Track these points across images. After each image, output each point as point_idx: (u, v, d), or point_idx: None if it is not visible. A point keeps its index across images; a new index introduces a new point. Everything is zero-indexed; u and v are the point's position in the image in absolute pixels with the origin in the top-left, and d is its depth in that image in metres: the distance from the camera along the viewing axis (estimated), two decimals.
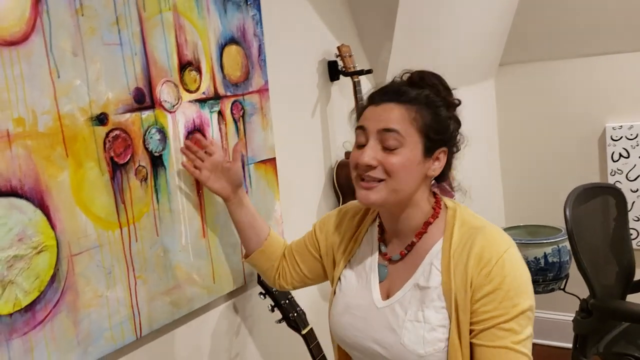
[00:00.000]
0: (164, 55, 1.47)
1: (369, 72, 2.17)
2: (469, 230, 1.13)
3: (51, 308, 1.22)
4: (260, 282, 1.73)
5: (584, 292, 2.31)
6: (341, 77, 2.18)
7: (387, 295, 1.19)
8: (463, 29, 2.71)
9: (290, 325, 1.72)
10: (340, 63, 2.14)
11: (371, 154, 1.11)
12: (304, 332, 1.73)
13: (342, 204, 2.22)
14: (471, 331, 1.08)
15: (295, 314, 1.72)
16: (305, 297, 1.91)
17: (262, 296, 1.73)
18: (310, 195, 2.13)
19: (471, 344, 1.09)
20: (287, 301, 1.73)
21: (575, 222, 2.25)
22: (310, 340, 1.74)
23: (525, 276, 1.09)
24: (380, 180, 1.12)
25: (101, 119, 1.32)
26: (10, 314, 1.15)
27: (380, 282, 1.21)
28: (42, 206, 1.21)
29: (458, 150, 1.22)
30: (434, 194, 1.23)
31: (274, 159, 1.84)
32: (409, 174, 1.12)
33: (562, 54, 3.10)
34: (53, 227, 1.23)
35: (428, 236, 1.17)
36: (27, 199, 1.18)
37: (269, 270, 1.50)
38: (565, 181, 2.79)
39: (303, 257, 1.43)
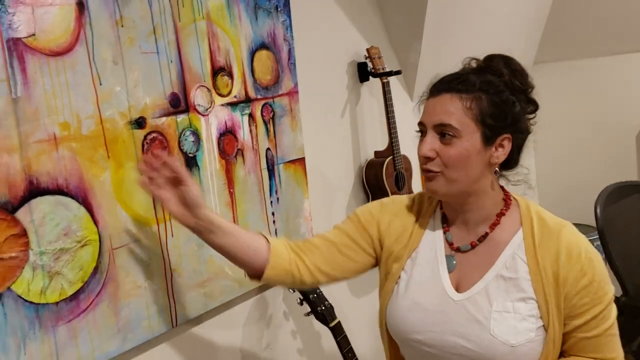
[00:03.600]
0: (198, 62, 1.56)
1: (398, 73, 2.21)
2: (549, 224, 1.15)
3: (94, 297, 1.33)
4: None
5: (617, 291, 2.30)
6: (371, 78, 2.24)
7: (457, 286, 1.17)
8: (495, 27, 2.72)
9: (318, 318, 1.79)
10: (369, 64, 2.20)
11: (428, 146, 1.13)
12: (331, 324, 1.80)
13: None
14: (566, 324, 1.12)
15: (323, 307, 1.79)
16: (334, 292, 1.97)
17: (291, 290, 1.80)
18: (340, 194, 2.19)
19: (567, 336, 1.13)
20: (315, 295, 1.80)
21: (608, 220, 2.24)
22: (338, 333, 1.81)
23: (603, 265, 1.15)
24: (439, 172, 1.13)
25: (139, 123, 1.42)
26: (57, 303, 1.26)
27: (449, 272, 1.18)
28: (86, 203, 1.31)
29: (527, 134, 1.19)
30: (501, 186, 1.22)
31: (303, 158, 1.91)
32: (468, 164, 1.12)
33: (597, 51, 3.07)
34: (96, 222, 1.33)
35: (501, 227, 1.17)
36: (72, 196, 1.29)
37: (288, 278, 1.29)
38: (601, 180, 2.76)
39: (343, 243, 1.29)
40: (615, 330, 1.15)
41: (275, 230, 1.81)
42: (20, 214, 1.19)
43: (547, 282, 1.10)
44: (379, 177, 2.25)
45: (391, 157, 2.24)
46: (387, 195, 2.23)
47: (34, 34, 1.21)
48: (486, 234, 1.17)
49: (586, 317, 1.11)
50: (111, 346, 1.36)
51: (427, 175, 1.15)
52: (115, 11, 1.36)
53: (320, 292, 1.80)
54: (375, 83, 2.25)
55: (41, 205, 1.23)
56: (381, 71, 2.17)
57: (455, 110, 1.11)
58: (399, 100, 2.35)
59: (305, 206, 1.93)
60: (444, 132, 1.11)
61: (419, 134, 1.19)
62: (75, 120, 1.29)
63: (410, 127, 2.44)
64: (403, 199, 1.32)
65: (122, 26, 1.37)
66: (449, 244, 1.20)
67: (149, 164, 1.25)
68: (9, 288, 1.18)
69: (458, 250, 1.19)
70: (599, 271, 1.12)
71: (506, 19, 2.77)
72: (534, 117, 1.21)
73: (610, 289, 1.13)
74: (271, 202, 1.80)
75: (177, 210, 1.22)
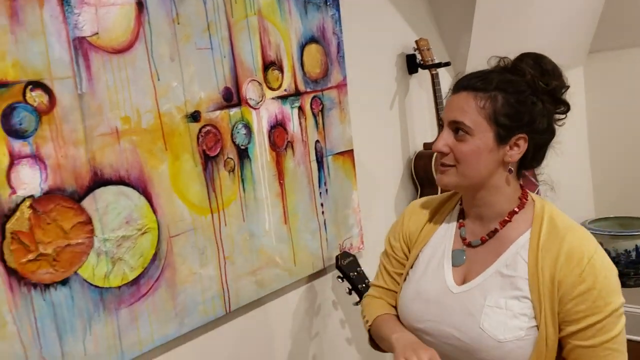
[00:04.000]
0: (250, 57, 1.60)
1: (447, 64, 2.21)
2: (558, 227, 1.13)
3: (153, 283, 1.40)
4: (339, 267, 1.84)
5: None
6: (419, 70, 2.24)
7: (463, 280, 1.19)
8: (548, 16, 2.66)
9: None
10: (418, 56, 2.20)
11: (442, 141, 1.16)
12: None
13: (420, 194, 2.29)
14: (561, 329, 1.11)
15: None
16: None
17: (340, 280, 1.84)
18: (388, 186, 2.21)
19: (563, 342, 1.11)
20: (364, 285, 1.82)
21: None
22: None
23: (615, 275, 1.11)
24: (452, 166, 1.16)
25: (195, 116, 1.48)
26: (119, 287, 1.34)
27: (456, 266, 1.22)
28: (146, 193, 1.38)
29: (548, 134, 1.17)
30: (521, 185, 1.23)
31: (352, 150, 1.94)
32: (479, 161, 1.14)
33: None
34: (154, 211, 1.40)
35: (512, 226, 1.17)
36: (133, 187, 1.36)
37: None
38: None
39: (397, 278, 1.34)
40: (618, 345, 1.09)
41: (324, 221, 1.85)
42: (86, 203, 1.27)
43: (543, 283, 1.10)
44: (427, 169, 2.25)
45: None
46: (435, 186, 2.23)
47: (97, 33, 1.28)
48: (496, 230, 1.19)
49: (581, 324, 1.08)
50: (169, 329, 1.43)
51: (440, 168, 1.19)
52: (172, 9, 1.42)
53: (369, 281, 1.83)
54: (424, 75, 2.25)
55: (105, 194, 1.30)
56: (430, 63, 2.17)
57: (469, 108, 1.13)
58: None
59: (354, 197, 1.95)
60: (458, 128, 1.14)
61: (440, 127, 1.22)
62: (135, 114, 1.36)
63: None
64: (424, 199, 1.38)
65: (178, 23, 1.43)
66: (462, 238, 1.23)
67: None
68: (75, 272, 1.26)
69: (469, 245, 1.21)
70: (602, 280, 1.08)
71: (560, 6, 2.71)
72: (564, 117, 1.19)
73: (614, 300, 1.08)
74: (320, 193, 1.83)
75: None
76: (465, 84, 1.15)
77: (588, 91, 3.27)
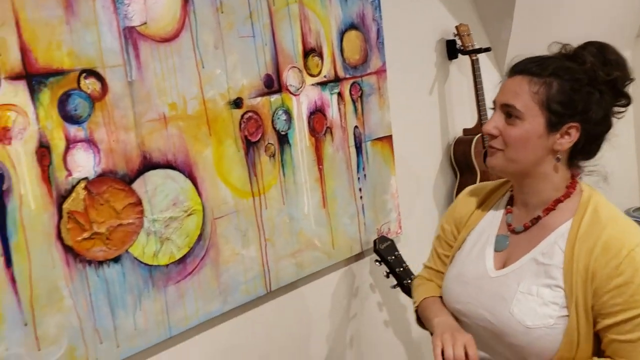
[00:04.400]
0: (290, 44, 1.64)
1: (487, 50, 2.19)
2: (600, 217, 1.12)
3: (198, 262, 1.47)
4: (376, 251, 1.87)
5: None
6: (459, 55, 2.23)
7: (503, 265, 1.20)
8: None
9: (404, 290, 1.85)
10: (458, 42, 2.19)
11: (493, 123, 1.16)
12: None
13: (458, 180, 2.29)
14: (597, 322, 1.08)
15: (409, 281, 1.84)
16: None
17: (377, 263, 1.87)
18: (427, 171, 2.22)
19: (601, 335, 1.10)
20: (401, 269, 1.85)
21: None
22: None
23: None
24: (500, 150, 1.16)
25: (237, 103, 1.53)
26: (167, 265, 1.41)
27: (498, 251, 1.22)
28: (191, 177, 1.44)
29: (604, 126, 1.15)
30: (572, 175, 1.19)
31: (390, 136, 1.96)
32: (527, 146, 1.13)
33: None
34: (200, 194, 1.46)
35: (556, 214, 1.17)
36: (179, 170, 1.42)
37: None
38: None
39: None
40: None
41: (362, 205, 1.88)
42: (136, 185, 1.34)
43: (577, 274, 1.09)
44: (467, 155, 2.25)
45: (480, 134, 2.23)
46: (475, 172, 2.24)
47: (145, 23, 1.34)
48: (539, 218, 1.18)
49: (617, 318, 1.06)
50: (213, 307, 1.50)
51: (489, 150, 1.20)
52: None
53: (407, 265, 1.86)
54: (464, 60, 2.24)
55: (153, 177, 1.37)
56: (470, 48, 2.16)
57: (522, 92, 1.12)
58: (488, 77, 2.33)
59: (392, 183, 1.98)
60: (509, 112, 1.13)
61: (492, 110, 1.22)
62: (181, 101, 1.42)
63: None
64: (476, 188, 1.37)
65: (222, 12, 1.48)
66: (508, 224, 1.23)
67: None
68: (127, 251, 1.34)
69: (513, 231, 1.22)
70: None
71: None
72: (624, 111, 1.16)
73: None
74: (358, 178, 1.87)
75: None
76: (521, 67, 1.14)
77: (637, 76, 3.18)
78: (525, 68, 1.13)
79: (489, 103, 2.21)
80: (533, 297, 1.12)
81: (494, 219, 1.27)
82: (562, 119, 1.11)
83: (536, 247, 1.16)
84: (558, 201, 1.17)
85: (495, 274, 1.19)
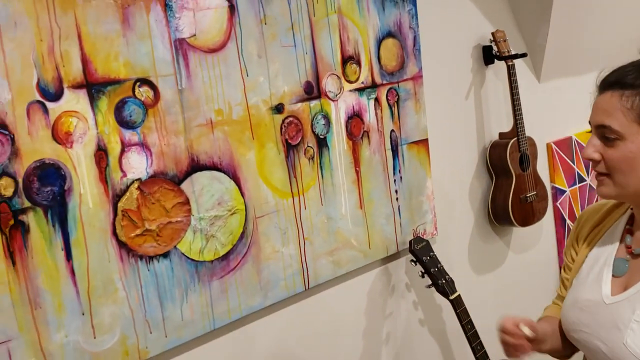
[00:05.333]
0: (329, 52, 1.72)
1: (523, 55, 2.22)
2: None
3: (240, 258, 1.55)
4: (412, 251, 1.92)
5: None
6: (496, 61, 2.26)
7: (621, 290, 1.11)
8: (632, 5, 2.59)
9: (439, 290, 1.90)
10: (494, 48, 2.23)
11: (591, 148, 1.07)
12: (451, 297, 1.90)
13: (494, 184, 2.32)
14: None
15: (444, 281, 1.89)
16: (455, 267, 2.07)
17: (413, 263, 1.93)
18: (463, 174, 2.26)
19: None
20: (436, 269, 1.90)
21: None
22: (458, 305, 1.90)
23: None
24: (607, 175, 1.08)
25: (279, 108, 1.61)
26: (212, 261, 1.50)
27: (617, 276, 1.13)
28: (235, 178, 1.53)
29: None
30: None
31: (426, 139, 2.01)
32: (634, 167, 1.04)
33: None
34: (242, 194, 1.55)
35: None
36: (224, 172, 1.51)
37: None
38: None
39: None
40: None
41: (399, 207, 1.94)
42: (184, 186, 1.44)
43: None
44: (502, 158, 2.28)
45: (516, 138, 2.26)
46: (510, 175, 2.26)
47: (194, 35, 1.44)
48: None
49: None
50: (254, 301, 1.58)
51: (598, 178, 1.10)
52: (260, 11, 1.55)
53: (442, 266, 1.91)
54: (500, 66, 2.27)
55: (200, 178, 1.46)
56: (506, 54, 2.19)
57: (614, 110, 1.03)
58: (524, 82, 2.35)
59: (428, 185, 2.03)
60: (605, 134, 1.05)
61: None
62: (227, 107, 1.51)
63: (536, 109, 2.44)
64: (596, 204, 1.29)
65: (265, 24, 1.57)
66: (627, 246, 1.14)
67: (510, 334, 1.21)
68: (175, 247, 1.43)
69: (632, 254, 1.13)
70: None
71: None
72: None
73: None
74: (394, 180, 1.93)
75: (528, 348, 1.21)
76: (611, 81, 1.06)
77: None
78: (613, 83, 1.05)
79: (525, 107, 2.24)
80: None
81: (612, 240, 1.18)
82: None
83: None
84: None
85: (610, 300, 1.10)
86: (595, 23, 2.49)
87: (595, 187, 1.13)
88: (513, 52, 2.20)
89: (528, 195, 2.30)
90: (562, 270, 1.33)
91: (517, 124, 2.24)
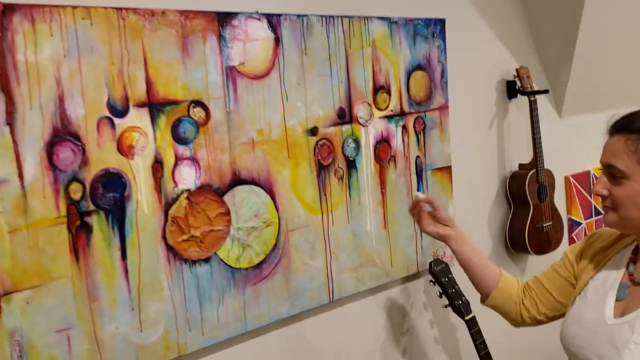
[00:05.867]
0: (362, 82, 1.86)
1: (545, 92, 2.34)
2: None
3: (272, 268, 1.69)
4: (432, 272, 2.04)
5: None
6: (519, 95, 2.39)
7: (622, 313, 1.21)
8: None
9: (455, 310, 2.01)
10: (518, 83, 2.36)
11: (601, 185, 1.20)
12: (467, 318, 2.00)
13: (512, 212, 2.43)
14: None
15: (460, 302, 2.00)
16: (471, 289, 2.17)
17: (432, 283, 2.04)
18: (483, 201, 2.37)
19: None
20: (454, 290, 2.01)
21: None
22: (472, 325, 2.00)
23: None
24: (612, 209, 1.20)
25: (313, 131, 1.76)
26: (247, 268, 1.64)
27: (618, 300, 1.23)
28: (271, 193, 1.68)
29: None
30: None
31: (450, 167, 2.14)
32: (638, 204, 1.15)
33: None
34: (277, 208, 1.69)
35: None
36: (262, 187, 1.66)
37: (512, 308, 1.49)
38: None
39: (553, 283, 1.44)
40: None
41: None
42: (226, 198, 1.59)
43: None
44: (521, 189, 2.39)
45: (535, 170, 2.37)
46: (528, 205, 2.37)
47: (243, 63, 1.60)
48: None
49: None
50: (283, 309, 1.71)
51: (604, 209, 1.23)
52: (302, 43, 1.71)
53: (458, 287, 2.02)
54: (523, 100, 2.40)
55: (241, 192, 1.61)
56: (529, 90, 2.32)
57: (620, 152, 1.15)
58: (546, 117, 2.47)
59: (450, 210, 2.15)
60: (612, 173, 1.18)
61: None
62: (267, 128, 1.66)
63: (556, 142, 2.55)
64: (607, 232, 1.38)
65: (305, 54, 1.72)
66: (630, 274, 1.25)
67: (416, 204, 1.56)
68: (215, 253, 1.57)
69: (634, 281, 1.23)
70: None
71: None
72: None
73: None
74: None
75: (432, 228, 1.56)
76: (619, 125, 1.19)
77: None
78: (623, 126, 1.18)
79: (545, 141, 2.36)
80: None
81: (618, 266, 1.28)
82: None
83: None
84: None
85: (611, 322, 1.21)
86: (616, 62, 2.60)
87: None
88: (536, 88, 2.32)
89: (544, 225, 2.40)
90: (555, 263, 1.44)
91: (537, 156, 2.35)
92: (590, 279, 1.32)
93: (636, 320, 1.17)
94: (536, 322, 1.48)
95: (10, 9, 1.24)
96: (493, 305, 1.52)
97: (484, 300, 1.55)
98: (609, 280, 1.28)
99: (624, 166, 1.15)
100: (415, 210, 1.57)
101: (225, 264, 1.59)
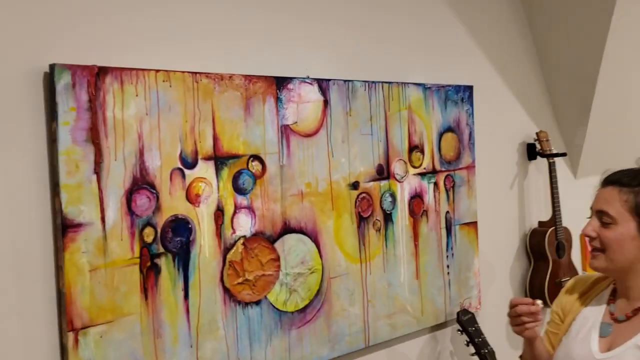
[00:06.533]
0: (399, 141, 2.02)
1: (563, 155, 2.51)
2: None
3: (315, 312, 1.80)
4: (459, 321, 2.14)
5: None
6: (538, 157, 2.55)
7: (607, 349, 1.35)
8: None
9: (481, 358, 2.10)
10: (538, 146, 2.52)
11: (590, 227, 1.36)
12: None
13: (532, 267, 2.55)
14: None
15: (486, 351, 2.09)
16: (494, 340, 2.26)
17: (459, 332, 2.14)
18: (505, 256, 2.49)
19: None
20: (480, 339, 2.11)
21: None
22: None
23: None
24: (601, 250, 1.35)
25: (355, 185, 1.91)
26: (292, 312, 1.75)
27: (602, 337, 1.37)
28: (316, 241, 1.81)
29: None
30: None
31: (476, 222, 2.27)
32: (624, 247, 1.32)
33: None
34: (321, 256, 1.81)
35: None
36: (308, 235, 1.79)
37: None
38: None
39: (554, 344, 1.52)
40: None
41: (449, 280, 2.18)
42: (277, 245, 1.71)
43: None
44: (541, 245, 2.52)
45: (553, 227, 2.50)
46: (547, 260, 2.49)
47: (296, 122, 1.76)
48: (638, 309, 1.36)
49: None
50: (323, 352, 1.81)
51: (592, 253, 1.38)
52: (347, 105, 1.88)
53: (484, 337, 2.11)
54: (542, 162, 2.56)
55: (290, 240, 1.74)
56: (548, 152, 2.48)
57: (613, 201, 1.33)
58: (563, 178, 2.62)
59: (475, 262, 2.27)
60: (603, 218, 1.35)
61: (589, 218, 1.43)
62: (315, 181, 1.80)
63: (572, 202, 2.71)
64: (584, 278, 1.57)
65: (350, 116, 1.89)
66: (611, 313, 1.40)
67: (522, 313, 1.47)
68: (265, 296, 1.69)
69: (616, 320, 1.39)
70: None
71: None
72: None
73: None
74: (447, 256, 2.17)
75: (532, 333, 1.48)
76: (612, 179, 1.37)
77: None
78: (616, 180, 1.36)
79: (563, 200, 2.50)
80: None
81: (598, 307, 1.44)
82: None
83: (638, 335, 1.32)
84: None
85: (600, 356, 1.35)
86: (630, 126, 2.77)
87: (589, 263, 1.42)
88: (554, 151, 2.48)
89: (562, 280, 2.51)
90: (547, 324, 1.57)
91: (555, 215, 2.49)
92: (573, 320, 1.46)
93: (623, 354, 1.32)
94: None
95: (103, 71, 1.41)
96: None
97: None
98: (590, 320, 1.42)
99: (615, 213, 1.32)
100: (523, 315, 1.46)
101: (274, 307, 1.71)
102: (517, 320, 1.46)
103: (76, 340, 1.36)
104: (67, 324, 1.35)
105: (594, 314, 1.43)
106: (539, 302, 1.46)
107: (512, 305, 1.47)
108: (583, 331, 1.43)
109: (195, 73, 1.56)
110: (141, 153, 1.47)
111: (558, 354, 1.46)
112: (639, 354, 1.32)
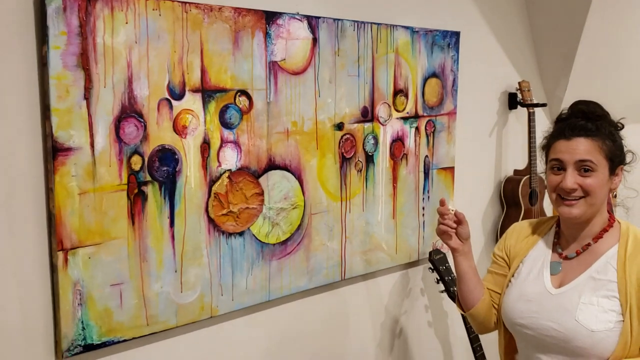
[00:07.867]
0: (384, 84, 2.05)
1: (543, 105, 2.56)
2: None
3: (295, 246, 1.87)
4: (431, 260, 2.24)
5: None
6: (519, 107, 2.60)
7: (559, 285, 1.46)
8: None
9: (450, 295, 2.21)
10: (519, 96, 2.57)
11: (572, 179, 1.41)
12: None
13: (505, 213, 2.65)
14: None
15: (455, 289, 2.20)
16: None
17: (430, 270, 2.24)
18: (479, 202, 2.58)
19: None
20: (449, 278, 2.22)
21: None
22: None
23: None
24: (580, 198, 1.42)
25: (339, 126, 1.94)
26: (274, 244, 1.82)
27: (553, 274, 1.48)
28: (299, 179, 1.86)
29: (627, 162, 1.48)
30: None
31: (453, 167, 2.34)
32: (602, 191, 1.42)
33: None
34: (303, 193, 1.87)
35: (603, 241, 1.45)
36: (292, 173, 1.84)
37: (489, 319, 1.60)
38: None
39: (496, 283, 1.61)
40: None
41: (424, 222, 2.26)
42: (261, 180, 1.76)
43: (630, 286, 1.38)
44: (514, 192, 2.61)
45: (528, 176, 2.59)
46: (520, 208, 2.59)
47: (284, 59, 1.77)
48: (589, 245, 1.47)
49: None
50: (301, 283, 1.90)
51: (570, 202, 1.43)
52: (335, 44, 1.89)
53: (454, 276, 2.22)
54: (522, 112, 2.61)
55: (274, 176, 1.79)
56: (529, 102, 2.53)
57: (591, 149, 1.41)
58: (541, 128, 2.68)
59: (449, 206, 2.34)
60: (585, 167, 1.41)
61: (551, 170, 1.46)
62: (300, 120, 1.84)
63: None
64: (523, 223, 1.65)
65: (338, 55, 1.91)
66: (559, 253, 1.51)
67: (443, 216, 1.58)
68: (248, 228, 1.75)
69: (566, 258, 1.49)
70: None
71: None
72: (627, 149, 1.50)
73: None
74: (423, 198, 2.25)
75: (455, 243, 1.57)
76: (579, 132, 1.42)
77: None
78: (584, 132, 1.42)
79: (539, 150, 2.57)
80: (594, 307, 1.39)
81: (545, 248, 1.54)
82: (615, 164, 1.45)
83: (591, 267, 1.44)
84: (604, 230, 1.47)
85: (555, 292, 1.46)
86: (612, 80, 2.83)
87: (559, 209, 1.46)
88: (535, 101, 2.54)
89: None
90: (491, 266, 1.65)
91: (531, 164, 2.57)
92: (521, 263, 1.55)
93: (579, 286, 1.43)
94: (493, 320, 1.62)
95: None
96: (474, 316, 1.60)
97: (467, 309, 1.61)
98: (539, 260, 1.52)
99: (596, 160, 1.40)
100: (446, 221, 1.58)
101: (256, 238, 1.77)
102: (439, 227, 1.58)
103: (65, 260, 1.41)
104: (57, 244, 1.40)
105: (542, 255, 1.53)
106: (450, 206, 1.59)
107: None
108: (534, 271, 1.52)
109: (185, 2, 1.56)
110: (130, 81, 1.48)
111: (511, 293, 1.54)
112: (593, 284, 1.42)
